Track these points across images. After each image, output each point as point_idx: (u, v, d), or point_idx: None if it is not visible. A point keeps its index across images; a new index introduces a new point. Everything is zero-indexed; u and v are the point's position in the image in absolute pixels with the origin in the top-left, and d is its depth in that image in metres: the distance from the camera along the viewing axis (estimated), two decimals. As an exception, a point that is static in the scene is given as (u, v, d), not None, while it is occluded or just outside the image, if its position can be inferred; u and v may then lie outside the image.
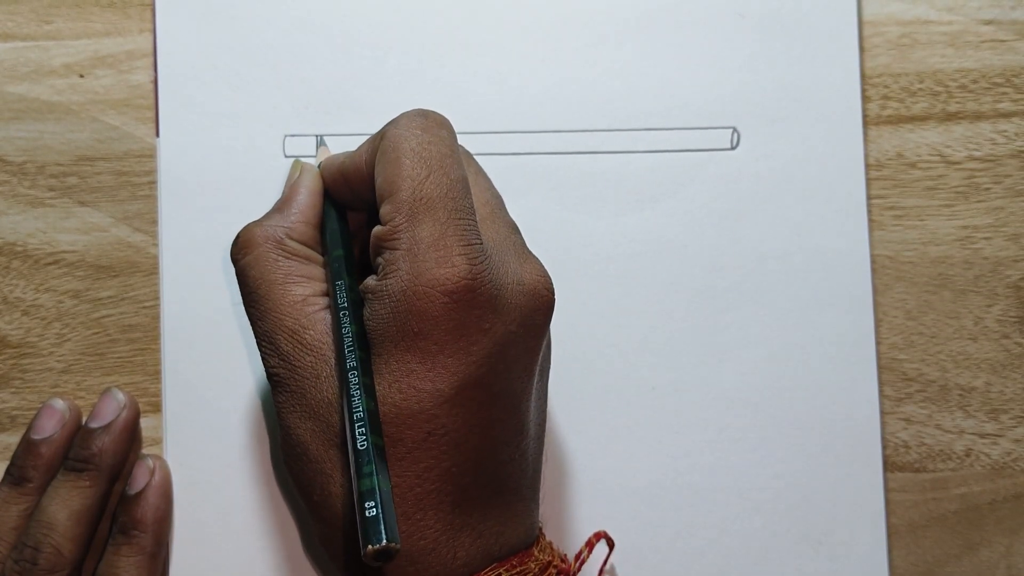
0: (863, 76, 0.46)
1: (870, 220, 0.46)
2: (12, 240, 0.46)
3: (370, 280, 0.37)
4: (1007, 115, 0.46)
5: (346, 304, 0.38)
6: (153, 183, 0.46)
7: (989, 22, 0.47)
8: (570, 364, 0.45)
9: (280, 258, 0.39)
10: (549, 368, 0.41)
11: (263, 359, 0.39)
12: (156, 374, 0.45)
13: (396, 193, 0.37)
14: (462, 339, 0.36)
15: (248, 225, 0.41)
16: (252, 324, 0.39)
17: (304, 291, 0.39)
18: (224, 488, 0.44)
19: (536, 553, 0.39)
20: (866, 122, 0.46)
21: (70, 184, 0.46)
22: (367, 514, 0.33)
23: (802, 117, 0.46)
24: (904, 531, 0.45)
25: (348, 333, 0.37)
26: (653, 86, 0.46)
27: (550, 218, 0.46)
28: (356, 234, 0.42)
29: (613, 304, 0.46)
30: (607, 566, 0.44)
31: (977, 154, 0.46)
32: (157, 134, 0.46)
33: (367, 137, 0.40)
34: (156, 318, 0.45)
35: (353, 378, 0.36)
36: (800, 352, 0.46)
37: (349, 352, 0.36)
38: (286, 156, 0.46)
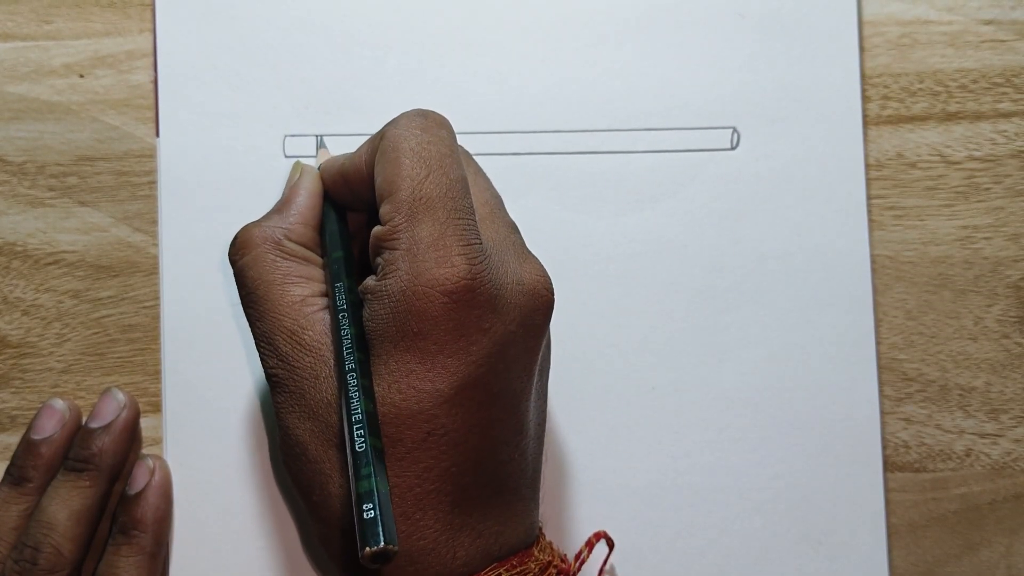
0: (863, 76, 0.46)
1: (870, 220, 0.46)
2: (12, 240, 0.46)
3: (369, 280, 0.37)
4: (1007, 115, 0.46)
5: (345, 306, 0.38)
6: (153, 183, 0.46)
7: (989, 22, 0.47)
8: (570, 364, 0.45)
9: (278, 259, 0.39)
10: (549, 368, 0.41)
11: (262, 360, 0.39)
12: (156, 374, 0.45)
13: (396, 193, 0.37)
14: (461, 339, 0.36)
15: (246, 226, 0.40)
16: (251, 325, 0.39)
17: (303, 291, 0.39)
18: (224, 488, 0.45)
19: (536, 553, 0.39)
20: (866, 122, 0.46)
21: (70, 184, 0.46)
22: (365, 516, 0.33)
23: (802, 117, 0.46)
24: (904, 531, 0.45)
25: (347, 335, 0.37)
26: (653, 86, 0.46)
27: (550, 218, 0.46)
28: (356, 235, 0.42)
29: (613, 304, 0.46)
30: (607, 566, 0.44)
31: (977, 154, 0.46)
32: (157, 134, 0.46)
33: (367, 137, 0.40)
34: (156, 318, 0.45)
35: (352, 380, 0.36)
36: (800, 352, 0.46)
37: (348, 354, 0.36)
38: (286, 156, 0.46)
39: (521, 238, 0.40)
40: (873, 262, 0.46)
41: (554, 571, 0.39)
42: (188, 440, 0.45)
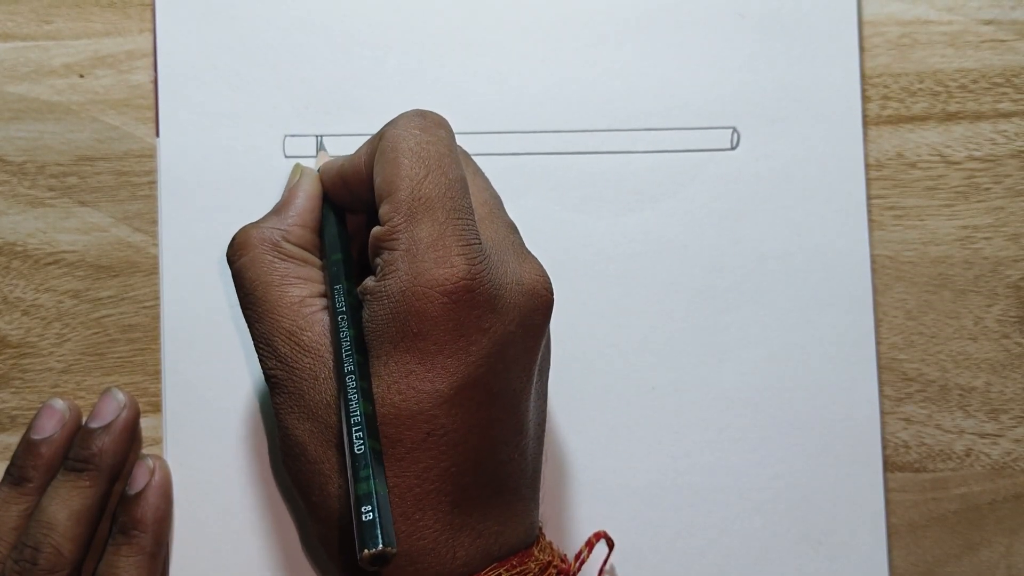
0: (863, 76, 0.46)
1: (870, 220, 0.46)
2: (12, 240, 0.46)
3: (368, 281, 0.37)
4: (1007, 115, 0.46)
5: (344, 308, 0.38)
6: (153, 183, 0.46)
7: (989, 22, 0.47)
8: (570, 364, 0.45)
9: (276, 260, 0.39)
10: (549, 368, 0.41)
11: (261, 361, 0.39)
12: (156, 374, 0.45)
13: (395, 193, 0.37)
14: (461, 339, 0.36)
15: (244, 227, 0.40)
16: (249, 326, 0.39)
17: (301, 292, 0.39)
18: (224, 488, 0.45)
19: (536, 553, 0.39)
20: (866, 122, 0.46)
21: (70, 184, 0.46)
22: (363, 518, 0.33)
23: (802, 117, 0.46)
24: (904, 531, 0.45)
25: (346, 337, 0.37)
26: (653, 86, 0.46)
27: (550, 218, 0.46)
28: (355, 237, 0.42)
29: (613, 304, 0.46)
30: (607, 566, 0.44)
31: (977, 154, 0.46)
32: (157, 134, 0.46)
33: (367, 137, 0.40)
34: (156, 318, 0.45)
35: (351, 382, 0.36)
36: (800, 352, 0.46)
37: (347, 356, 0.36)
38: (286, 156, 0.46)
39: (520, 238, 0.40)
40: (873, 262, 0.46)
41: (554, 571, 0.39)
42: (188, 440, 0.45)
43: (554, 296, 0.38)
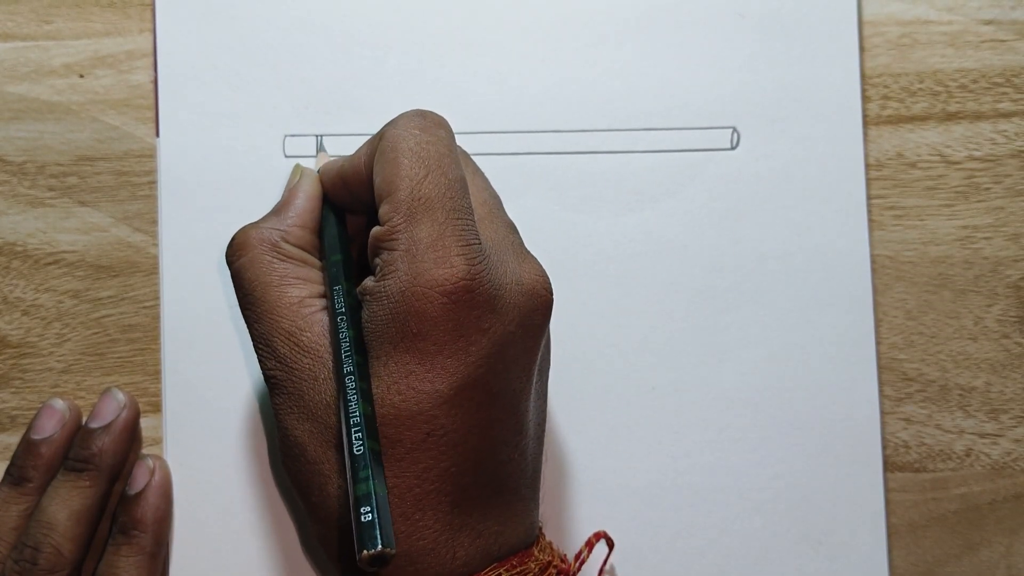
0: (863, 76, 0.46)
1: (870, 220, 0.46)
2: (12, 240, 0.46)
3: (368, 281, 0.37)
4: (1007, 115, 0.46)
5: (344, 309, 0.38)
6: (153, 183, 0.46)
7: (989, 22, 0.47)
8: (570, 364, 0.45)
9: (275, 260, 0.39)
10: (548, 368, 0.41)
11: (260, 361, 0.39)
12: (156, 374, 0.45)
13: (394, 193, 0.37)
14: (461, 339, 0.36)
15: (243, 227, 0.40)
16: (248, 327, 0.39)
17: (300, 292, 0.39)
18: (224, 488, 0.45)
19: (536, 553, 0.39)
20: (866, 122, 0.46)
21: (70, 184, 0.46)
22: (362, 519, 0.33)
23: (802, 117, 0.46)
24: (904, 531, 0.45)
25: (345, 337, 0.37)
26: (653, 86, 0.46)
27: (550, 218, 0.46)
28: (355, 238, 0.42)
29: (613, 304, 0.46)
30: (607, 566, 0.44)
31: (977, 154, 0.46)
32: (157, 134, 0.46)
33: (367, 137, 0.40)
34: (156, 318, 0.45)
35: (350, 383, 0.36)
36: (800, 352, 0.46)
37: (346, 356, 0.36)
38: (286, 156, 0.46)
39: (520, 238, 0.40)
40: (873, 262, 0.46)
41: (554, 571, 0.39)
42: (188, 440, 0.45)
43: (554, 296, 0.38)
